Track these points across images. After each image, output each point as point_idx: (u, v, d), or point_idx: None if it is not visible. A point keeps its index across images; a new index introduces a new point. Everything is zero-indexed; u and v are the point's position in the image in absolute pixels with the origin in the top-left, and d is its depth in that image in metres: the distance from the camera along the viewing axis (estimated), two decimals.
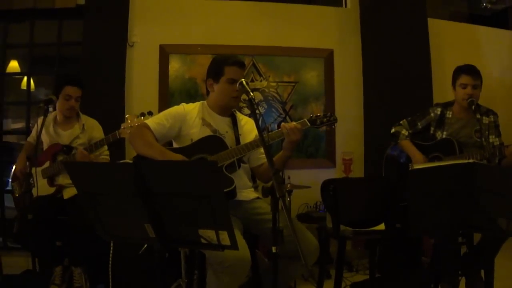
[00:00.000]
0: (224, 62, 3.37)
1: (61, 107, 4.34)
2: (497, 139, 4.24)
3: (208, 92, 3.55)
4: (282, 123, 3.25)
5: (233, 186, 3.18)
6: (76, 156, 4.11)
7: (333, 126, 3.36)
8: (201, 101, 3.59)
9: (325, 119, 3.30)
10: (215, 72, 3.42)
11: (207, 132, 3.39)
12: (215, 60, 3.50)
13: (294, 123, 3.21)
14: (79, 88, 4.37)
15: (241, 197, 3.33)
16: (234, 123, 3.52)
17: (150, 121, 3.40)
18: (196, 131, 3.39)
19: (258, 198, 3.46)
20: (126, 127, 3.92)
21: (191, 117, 3.43)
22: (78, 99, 4.38)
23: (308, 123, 3.27)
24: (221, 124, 3.47)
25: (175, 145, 3.51)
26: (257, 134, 3.00)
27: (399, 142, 4.49)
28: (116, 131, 4.01)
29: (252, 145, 3.24)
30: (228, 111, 3.53)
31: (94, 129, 4.47)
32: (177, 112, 3.46)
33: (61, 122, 4.44)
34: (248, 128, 3.53)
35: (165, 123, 3.38)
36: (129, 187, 2.16)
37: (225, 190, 3.11)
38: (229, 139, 3.39)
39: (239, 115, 3.62)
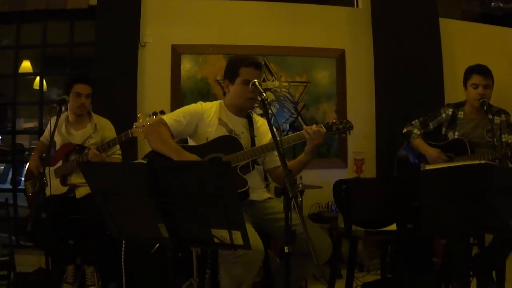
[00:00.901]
0: (239, 63, 3.36)
1: (72, 106, 4.35)
2: (511, 136, 4.23)
3: (225, 92, 3.55)
4: (304, 127, 3.25)
5: (247, 187, 3.19)
6: (88, 156, 4.13)
7: (349, 133, 3.36)
8: (219, 101, 3.59)
9: (341, 126, 3.30)
10: (230, 73, 3.41)
11: (223, 131, 3.40)
12: (231, 61, 3.50)
13: (315, 126, 3.22)
14: (88, 85, 4.37)
15: (254, 197, 3.34)
16: (250, 124, 3.52)
17: (167, 117, 3.41)
18: (212, 130, 3.39)
19: (270, 198, 3.47)
20: (138, 126, 3.94)
21: (208, 115, 3.44)
22: (88, 96, 4.39)
23: (324, 129, 3.26)
24: (237, 125, 3.48)
25: (190, 143, 3.53)
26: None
27: (412, 141, 4.49)
28: (129, 130, 4.02)
29: (268, 148, 3.25)
30: (244, 111, 3.54)
31: (106, 128, 4.49)
32: (194, 109, 3.47)
33: (73, 122, 4.46)
34: (264, 129, 3.53)
35: (182, 120, 3.39)
36: (143, 187, 2.17)
37: (239, 191, 3.12)
38: (244, 140, 3.40)
39: (255, 117, 3.63)
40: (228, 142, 3.34)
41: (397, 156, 4.77)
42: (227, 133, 3.41)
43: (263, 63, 5.55)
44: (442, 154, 4.28)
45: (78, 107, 4.35)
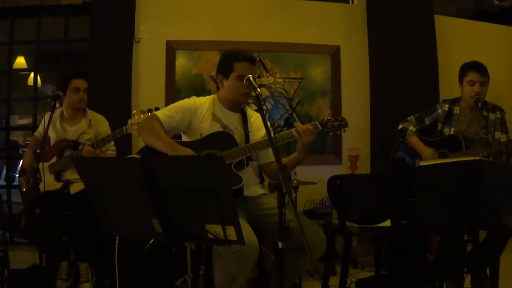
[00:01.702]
0: (234, 58, 3.32)
1: (70, 101, 4.36)
2: (504, 135, 4.23)
3: (218, 87, 3.51)
4: (295, 124, 3.23)
5: (241, 185, 3.19)
6: (82, 152, 4.12)
7: (343, 131, 3.32)
8: (212, 95, 3.55)
9: (336, 123, 3.27)
10: (224, 68, 3.37)
11: (217, 127, 3.38)
12: (225, 55, 3.44)
13: (306, 125, 3.17)
14: (85, 80, 4.41)
15: (248, 193, 3.33)
16: (244, 120, 3.49)
17: (160, 113, 3.37)
18: (205, 126, 3.36)
19: (264, 194, 3.45)
20: (133, 123, 3.93)
21: (202, 111, 3.40)
22: (85, 91, 4.41)
23: (319, 126, 3.24)
24: (232, 120, 3.44)
25: (184, 139, 3.51)
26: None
27: (407, 138, 4.48)
28: (123, 127, 4.02)
29: (263, 144, 3.22)
30: (238, 106, 3.50)
31: (100, 124, 4.49)
32: (187, 105, 3.42)
33: (68, 117, 4.46)
34: (258, 124, 3.50)
35: (175, 116, 3.36)
36: (137, 182, 2.17)
37: (233, 188, 3.11)
38: (238, 136, 3.38)
39: (250, 111, 3.60)
40: (222, 139, 3.32)
41: (393, 157, 4.75)
42: (221, 129, 3.38)
43: (257, 59, 5.53)
44: (436, 155, 4.28)
45: (77, 102, 4.36)
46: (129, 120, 3.99)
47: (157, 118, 3.33)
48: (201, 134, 3.35)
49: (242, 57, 3.32)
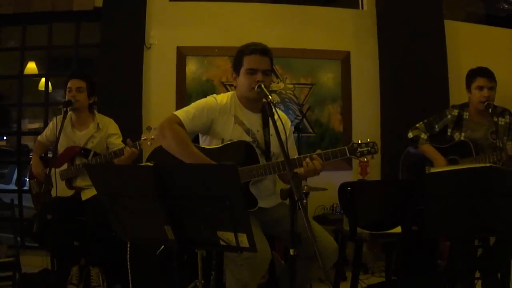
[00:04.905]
0: (243, 52, 3.21)
1: None
2: (510, 142, 4.20)
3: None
4: (314, 155, 3.08)
5: (256, 208, 3.11)
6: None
7: (372, 158, 3.18)
8: (231, 92, 3.40)
9: (365, 150, 3.14)
10: (236, 64, 3.26)
11: (240, 131, 3.22)
12: (237, 50, 3.29)
13: (317, 162, 3.04)
14: (79, 80, 4.35)
15: (263, 204, 3.21)
16: (265, 122, 3.33)
17: (181, 114, 3.17)
18: (228, 130, 3.23)
19: (278, 203, 3.36)
20: (147, 138, 3.90)
21: (224, 113, 3.24)
22: (80, 90, 4.33)
23: (347, 153, 3.12)
24: (254, 123, 3.30)
25: (202, 141, 3.36)
26: (288, 136, 2.94)
27: (420, 146, 4.43)
28: (137, 142, 3.97)
29: (284, 167, 3.02)
30: (257, 106, 3.33)
31: (109, 126, 4.49)
32: (210, 106, 3.24)
33: (77, 121, 4.46)
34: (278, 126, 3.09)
35: (197, 119, 3.18)
36: (149, 189, 2.17)
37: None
38: (259, 139, 3.26)
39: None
40: (243, 151, 3.16)
41: (403, 163, 4.72)
42: (244, 133, 3.23)
43: None
44: (449, 166, 4.24)
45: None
46: (142, 135, 3.95)
47: (178, 122, 3.13)
48: (222, 140, 3.22)
49: (250, 50, 3.20)
